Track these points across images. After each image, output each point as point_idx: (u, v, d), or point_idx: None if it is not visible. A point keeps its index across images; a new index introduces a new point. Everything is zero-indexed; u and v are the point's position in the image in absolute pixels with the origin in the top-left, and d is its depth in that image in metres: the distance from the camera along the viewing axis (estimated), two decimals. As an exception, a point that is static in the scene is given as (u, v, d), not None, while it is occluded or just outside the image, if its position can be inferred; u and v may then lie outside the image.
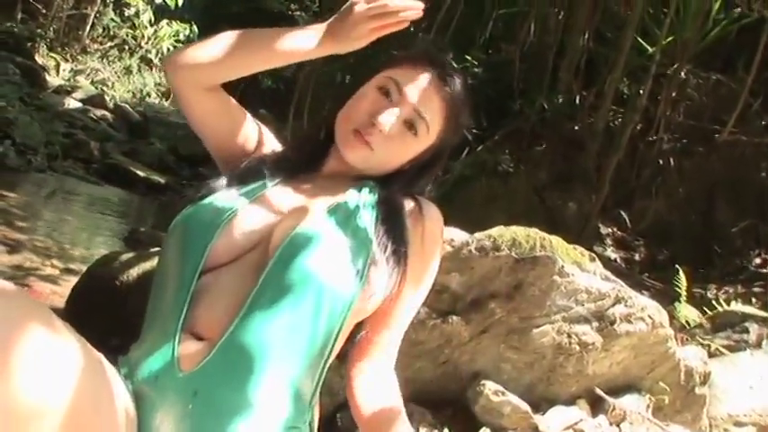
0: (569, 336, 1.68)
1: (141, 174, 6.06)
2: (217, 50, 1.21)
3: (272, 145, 1.35)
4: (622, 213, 4.78)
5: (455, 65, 1.32)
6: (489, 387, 1.62)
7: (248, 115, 1.32)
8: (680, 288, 2.40)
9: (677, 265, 2.87)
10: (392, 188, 1.23)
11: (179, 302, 1.08)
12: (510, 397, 1.62)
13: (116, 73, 8.38)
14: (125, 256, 1.86)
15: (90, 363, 0.89)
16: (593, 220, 4.58)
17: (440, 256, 1.26)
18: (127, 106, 7.64)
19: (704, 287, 4.05)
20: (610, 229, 4.82)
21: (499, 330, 1.63)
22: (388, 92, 1.21)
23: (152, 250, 1.95)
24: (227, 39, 1.22)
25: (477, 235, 1.64)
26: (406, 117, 1.20)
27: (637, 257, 4.75)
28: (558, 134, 4.93)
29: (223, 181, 1.24)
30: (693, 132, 4.80)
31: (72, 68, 8.12)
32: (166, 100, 8.89)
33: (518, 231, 1.73)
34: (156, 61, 8.70)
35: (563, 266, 1.65)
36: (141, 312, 1.24)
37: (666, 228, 4.74)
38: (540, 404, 1.72)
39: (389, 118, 1.19)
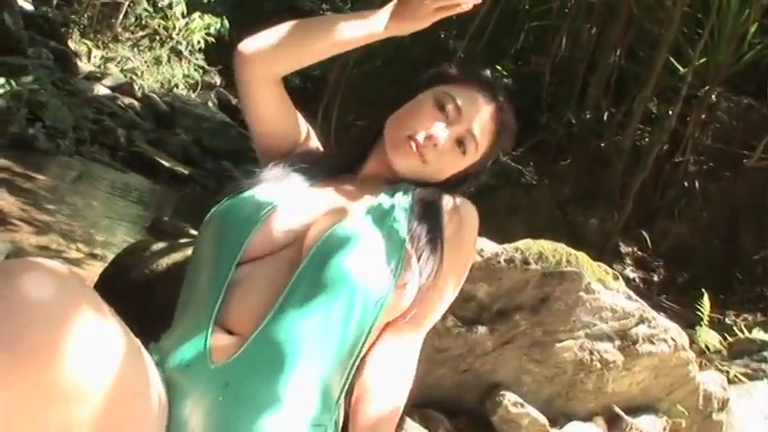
0: (591, 352, 1.68)
1: (166, 164, 6.11)
2: (289, 40, 1.24)
3: (315, 144, 1.38)
4: (644, 233, 4.75)
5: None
6: (509, 398, 1.62)
7: (298, 114, 1.35)
8: (702, 312, 2.39)
9: (702, 289, 2.86)
10: (427, 196, 1.25)
11: (213, 294, 1.10)
12: (529, 409, 1.63)
13: (146, 62, 8.46)
14: (155, 246, 1.87)
15: (131, 349, 0.91)
16: (613, 239, 4.56)
17: (474, 250, 1.29)
18: (155, 96, 7.70)
19: (723, 313, 4.02)
20: (630, 249, 4.80)
21: (522, 342, 1.64)
22: (444, 107, 1.24)
23: (182, 241, 1.97)
24: (296, 28, 1.25)
25: (507, 246, 1.64)
26: (459, 136, 1.24)
27: (655, 278, 4.72)
28: (584, 150, 4.91)
29: (264, 175, 1.26)
30: (721, 156, 4.76)
31: (103, 56, 8.20)
32: (194, 92, 8.96)
33: (545, 245, 1.74)
34: (185, 53, 8.77)
35: (590, 283, 1.66)
36: (170, 302, 1.26)
37: (687, 251, 4.70)
38: (558, 419, 1.73)
39: (444, 134, 1.23)
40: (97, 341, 0.84)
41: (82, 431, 0.85)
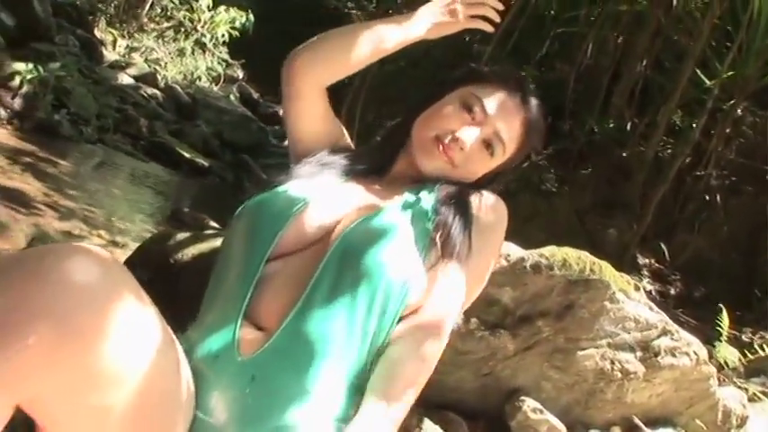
0: (613, 362, 1.68)
1: (186, 155, 6.15)
2: (337, 50, 1.28)
3: (346, 142, 1.39)
4: (662, 245, 4.72)
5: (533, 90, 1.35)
6: (528, 404, 1.62)
7: (335, 117, 1.36)
8: (722, 327, 2.37)
9: (719, 304, 2.83)
10: (452, 192, 1.25)
11: (243, 288, 1.11)
12: (548, 416, 1.63)
13: (170, 54, 8.50)
14: (180, 236, 1.89)
15: (166, 337, 0.92)
16: (631, 249, 4.54)
17: (500, 247, 1.28)
18: (177, 87, 7.75)
19: (739, 329, 3.99)
20: (647, 260, 4.76)
21: (544, 349, 1.63)
22: (472, 108, 1.24)
23: (208, 232, 1.98)
24: (342, 37, 1.29)
25: (532, 252, 1.64)
26: (486, 137, 1.24)
27: (672, 291, 4.68)
28: (606, 159, 4.89)
29: (297, 172, 1.27)
30: (744, 171, 4.72)
31: (128, 45, 8.26)
32: (216, 85, 9.00)
33: (569, 252, 1.73)
34: (209, 46, 8.81)
35: (614, 293, 1.65)
36: (194, 292, 1.27)
37: (705, 265, 4.67)
38: (575, 427, 1.72)
39: (471, 136, 1.22)
40: (137, 328, 0.86)
41: (115, 415, 0.86)
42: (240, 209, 1.23)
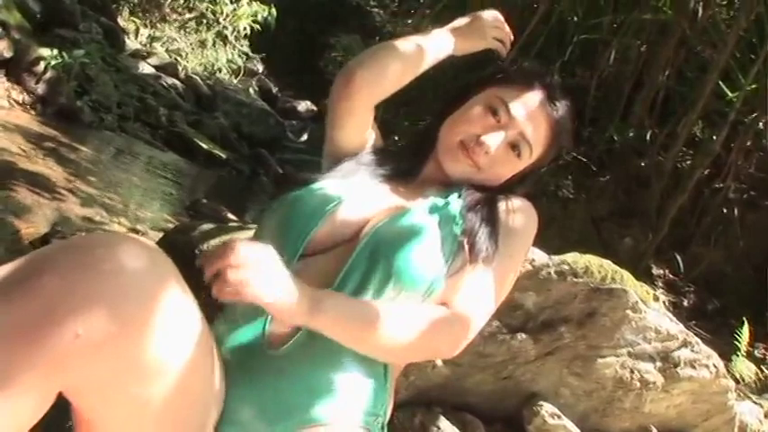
0: (632, 371, 1.68)
1: (204, 146, 6.18)
2: (394, 68, 1.28)
3: (380, 144, 1.39)
4: (677, 257, 4.70)
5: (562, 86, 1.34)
6: (546, 409, 1.63)
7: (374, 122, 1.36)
8: (740, 341, 2.36)
9: (732, 318, 2.82)
10: (480, 196, 1.26)
11: None
12: (565, 421, 1.63)
13: (191, 45, 8.54)
14: (204, 227, 1.90)
15: (204, 329, 0.93)
16: (646, 259, 4.53)
17: (527, 250, 1.29)
18: (197, 78, 7.78)
19: (752, 345, 3.97)
20: (661, 271, 4.75)
21: (565, 355, 1.64)
22: (497, 111, 1.23)
23: (233, 224, 1.99)
24: (397, 55, 1.29)
25: (557, 258, 1.64)
26: (512, 140, 1.23)
27: (685, 303, 4.66)
28: (624, 167, 4.87)
29: (331, 171, 1.28)
30: (762, 185, 4.70)
31: (150, 35, 8.30)
32: (235, 78, 9.03)
33: (592, 260, 1.74)
34: (231, 38, 8.84)
35: (637, 302, 1.65)
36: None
37: (720, 278, 4.65)
38: (592, 434, 1.73)
39: (496, 140, 1.22)
40: (181, 319, 0.86)
41: (154, 406, 0.87)
42: (274, 204, 1.24)
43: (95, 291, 0.77)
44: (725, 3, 4.67)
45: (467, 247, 1.14)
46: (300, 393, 1.04)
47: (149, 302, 0.81)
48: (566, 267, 1.62)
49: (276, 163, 6.88)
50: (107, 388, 0.83)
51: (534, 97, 1.25)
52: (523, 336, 1.60)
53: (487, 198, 1.23)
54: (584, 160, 4.97)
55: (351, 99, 1.26)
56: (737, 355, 2.39)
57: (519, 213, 1.25)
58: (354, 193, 1.21)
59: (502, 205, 1.25)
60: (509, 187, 1.29)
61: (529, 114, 1.23)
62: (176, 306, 0.84)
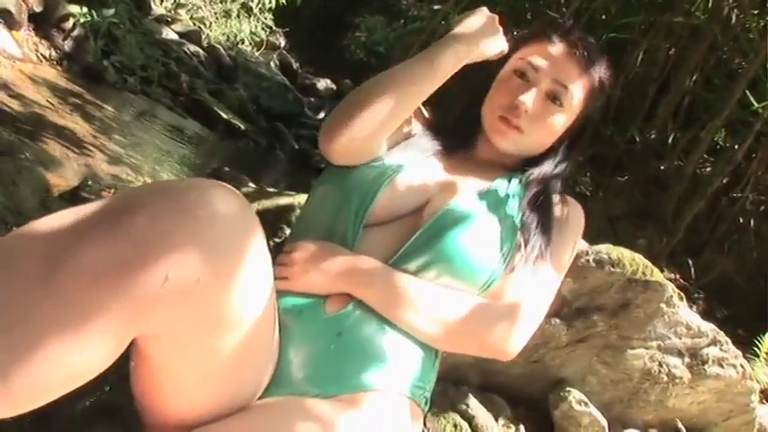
0: (660, 364, 1.69)
1: (224, 116, 6.17)
2: (374, 114, 1.14)
3: (427, 120, 1.38)
4: (689, 262, 4.70)
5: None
6: (575, 395, 1.64)
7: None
8: (760, 348, 2.37)
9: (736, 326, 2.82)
10: (541, 176, 1.26)
11: None
12: (591, 409, 1.64)
13: (215, 14, 8.50)
14: (244, 190, 1.91)
15: (272, 283, 0.93)
16: (659, 263, 4.52)
17: (575, 249, 1.29)
18: (220, 48, 7.75)
19: (758, 355, 3.98)
20: (673, 275, 4.75)
21: (596, 343, 1.65)
22: (524, 73, 1.22)
23: (270, 189, 2.00)
24: (379, 97, 1.14)
25: (595, 247, 1.65)
26: (547, 90, 1.21)
27: (694, 309, 4.67)
28: (644, 169, 4.87)
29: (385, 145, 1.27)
30: (781, 198, 4.70)
31: (175, 1, 8.26)
32: (257, 50, 9.01)
33: (624, 253, 1.74)
34: (255, 10, 8.81)
35: (671, 296, 1.66)
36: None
37: (730, 287, 4.65)
38: (614, 424, 1.74)
39: (530, 97, 1.19)
40: (260, 272, 0.86)
41: (224, 356, 0.87)
42: (326, 175, 1.23)
43: (189, 236, 0.75)
44: (760, 12, 4.64)
45: (523, 243, 1.15)
46: (354, 359, 1.04)
47: (238, 252, 0.80)
48: (604, 257, 1.62)
49: (293, 138, 6.87)
50: (183, 336, 0.81)
51: (554, 44, 1.23)
52: (557, 321, 1.61)
53: (545, 194, 1.23)
54: (604, 158, 4.96)
55: (337, 161, 1.18)
56: (757, 360, 2.40)
57: (571, 213, 1.26)
58: (412, 164, 1.21)
59: (557, 204, 1.25)
60: (562, 159, 1.29)
61: (554, 61, 1.21)
62: (258, 259, 0.84)
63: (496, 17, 1.24)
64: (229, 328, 0.84)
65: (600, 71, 1.25)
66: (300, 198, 1.86)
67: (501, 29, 1.23)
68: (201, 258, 0.76)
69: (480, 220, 1.14)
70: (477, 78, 1.36)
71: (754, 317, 4.33)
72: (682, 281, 4.76)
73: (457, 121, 1.37)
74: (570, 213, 1.27)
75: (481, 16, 1.23)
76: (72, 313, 0.70)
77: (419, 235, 1.11)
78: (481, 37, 1.20)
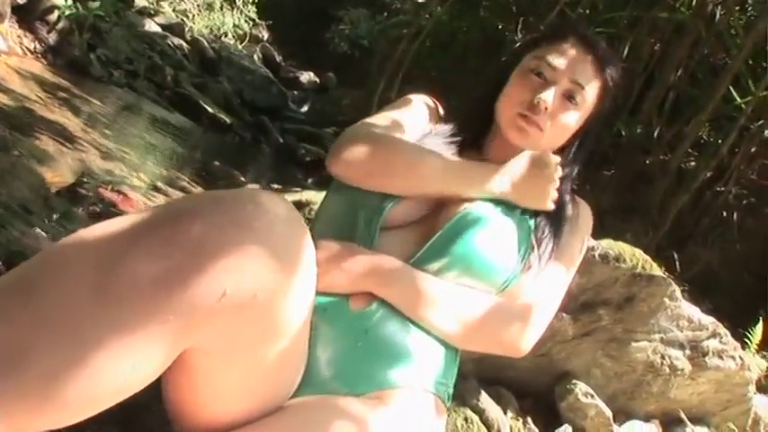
0: (663, 357, 1.73)
1: (210, 110, 6.13)
2: (390, 180, 1.17)
3: (440, 115, 1.40)
4: (674, 255, 4.77)
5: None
6: (581, 388, 1.67)
7: (417, 109, 1.35)
8: (751, 339, 2.42)
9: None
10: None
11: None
12: (597, 401, 1.67)
13: (198, 6, 8.44)
14: (250, 187, 1.91)
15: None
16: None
17: (583, 249, 1.32)
18: (203, 41, 7.69)
19: (742, 348, 4.05)
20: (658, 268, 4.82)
21: (601, 336, 1.68)
22: (541, 72, 1.24)
23: (276, 186, 2.00)
24: (402, 173, 1.17)
25: (600, 242, 1.68)
26: (564, 89, 1.23)
27: (679, 301, 4.74)
28: (629, 163, 4.93)
29: None
30: (763, 192, 4.77)
31: (157, -8, 8.18)
32: (240, 43, 8.95)
33: (624, 248, 1.78)
34: (238, 3, 8.75)
35: (675, 290, 1.70)
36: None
37: (714, 280, 4.72)
38: (618, 416, 1.77)
39: (549, 95, 1.21)
40: (311, 277, 0.86)
41: (267, 364, 0.87)
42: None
43: (248, 249, 0.74)
44: (742, 8, 4.71)
45: (536, 244, 1.18)
46: (380, 357, 1.06)
47: (293, 263, 0.80)
48: (610, 252, 1.65)
49: (278, 132, 6.84)
50: (233, 347, 0.81)
51: (570, 45, 1.25)
52: (564, 315, 1.63)
53: (557, 194, 1.25)
54: (590, 153, 5.01)
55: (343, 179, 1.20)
56: (749, 351, 2.45)
57: (581, 212, 1.29)
58: None
59: (567, 204, 1.27)
60: (576, 154, 1.31)
61: (570, 60, 1.24)
62: (308, 265, 0.84)
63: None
64: (279, 336, 0.84)
65: (612, 72, 1.28)
66: (306, 195, 1.87)
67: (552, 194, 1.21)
68: (259, 273, 0.75)
69: (497, 223, 1.16)
70: (490, 75, 1.37)
71: (738, 309, 4.40)
72: (666, 274, 4.83)
73: (468, 117, 1.38)
74: (580, 213, 1.30)
75: (541, 180, 1.20)
76: (125, 325, 0.69)
77: (437, 238, 1.13)
78: (530, 200, 1.20)
